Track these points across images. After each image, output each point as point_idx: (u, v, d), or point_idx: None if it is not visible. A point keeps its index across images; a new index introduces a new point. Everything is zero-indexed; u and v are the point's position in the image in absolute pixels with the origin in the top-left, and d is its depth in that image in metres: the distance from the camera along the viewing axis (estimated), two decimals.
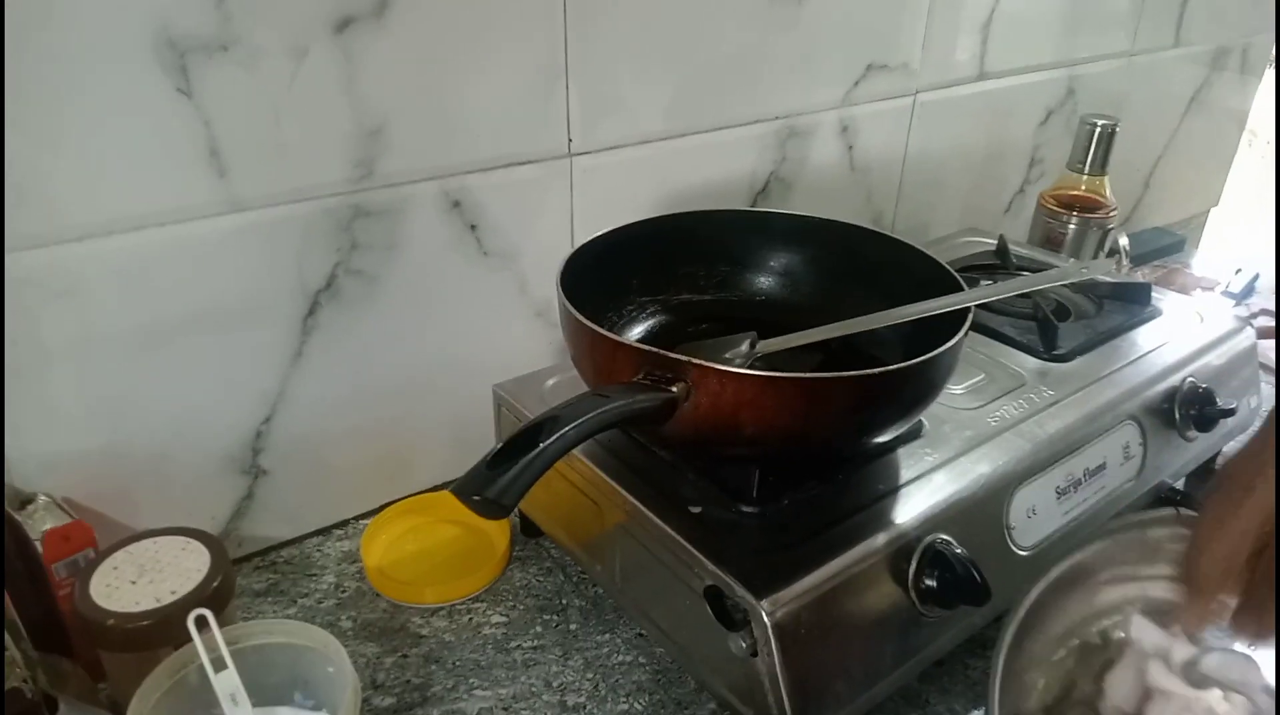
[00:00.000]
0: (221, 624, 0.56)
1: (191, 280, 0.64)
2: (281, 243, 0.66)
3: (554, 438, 0.44)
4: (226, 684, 0.51)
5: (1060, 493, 0.66)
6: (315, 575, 0.72)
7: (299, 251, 0.67)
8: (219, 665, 0.50)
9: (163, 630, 0.53)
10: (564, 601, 0.71)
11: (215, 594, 0.56)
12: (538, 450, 0.43)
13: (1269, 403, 0.91)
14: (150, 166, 0.60)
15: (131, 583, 0.56)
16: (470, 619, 0.69)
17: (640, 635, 0.67)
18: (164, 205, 0.61)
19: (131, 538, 0.59)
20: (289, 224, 0.66)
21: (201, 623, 0.51)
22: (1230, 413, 0.77)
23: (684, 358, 0.52)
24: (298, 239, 0.66)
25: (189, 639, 0.50)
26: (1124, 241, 1.09)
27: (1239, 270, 1.24)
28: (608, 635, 0.68)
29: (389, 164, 0.68)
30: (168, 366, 0.65)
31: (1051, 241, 1.04)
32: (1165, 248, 1.30)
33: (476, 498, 0.41)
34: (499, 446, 0.44)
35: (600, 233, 0.68)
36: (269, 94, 0.62)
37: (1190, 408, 0.76)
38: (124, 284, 0.61)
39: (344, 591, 0.71)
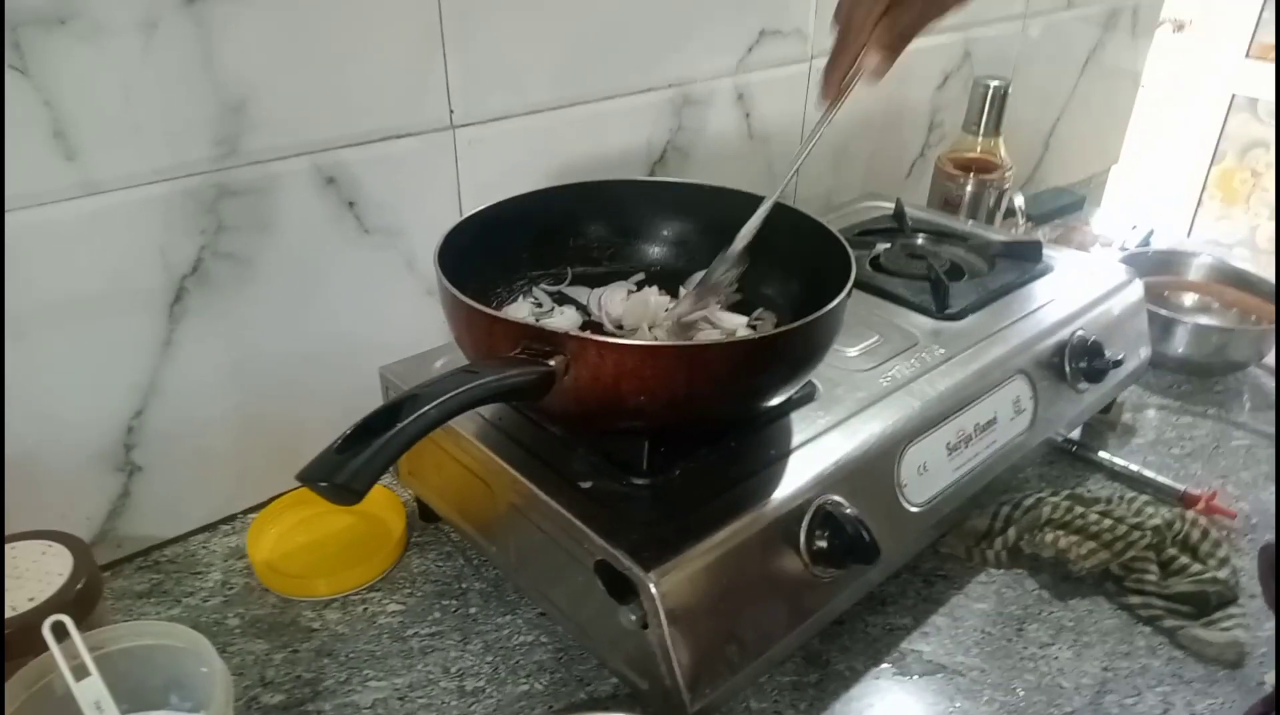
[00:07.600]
0: (93, 627, 0.54)
1: (45, 269, 0.60)
2: (141, 226, 0.63)
3: (413, 417, 0.43)
4: (89, 692, 0.48)
5: (951, 449, 0.67)
6: (201, 573, 0.70)
7: (161, 235, 0.63)
8: (80, 673, 0.48)
9: (21, 639, 0.50)
10: (464, 585, 0.69)
11: (79, 597, 0.54)
12: (395, 430, 0.42)
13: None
14: None
15: None
16: (365, 609, 0.67)
17: (542, 615, 0.66)
18: (8, 190, 0.57)
19: None
20: (148, 206, 0.62)
21: (61, 629, 0.48)
22: (1118, 363, 0.78)
23: (560, 330, 0.51)
24: (158, 222, 0.63)
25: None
26: (1019, 201, 1.11)
27: (1135, 227, 1.28)
28: (509, 617, 0.66)
29: (254, 140, 0.65)
30: (25, 362, 0.61)
31: (949, 203, 1.05)
32: (1065, 207, 1.33)
33: (324, 483, 0.39)
34: (350, 428, 0.42)
35: (483, 207, 0.66)
36: (117, 70, 0.58)
37: (1080, 360, 0.77)
38: None
39: (231, 589, 0.68)
